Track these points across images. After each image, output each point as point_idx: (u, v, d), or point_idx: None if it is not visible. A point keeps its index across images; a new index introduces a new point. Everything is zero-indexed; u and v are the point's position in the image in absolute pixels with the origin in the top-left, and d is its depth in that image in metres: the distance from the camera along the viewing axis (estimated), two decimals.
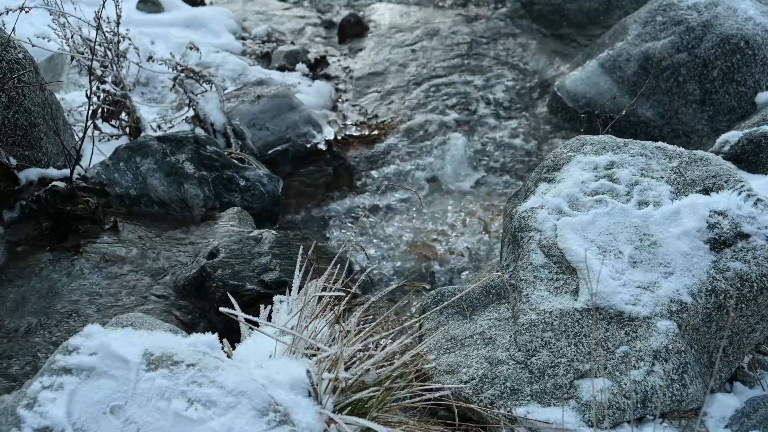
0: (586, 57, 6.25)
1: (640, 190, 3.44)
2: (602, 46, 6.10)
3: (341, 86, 6.80)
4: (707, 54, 5.40)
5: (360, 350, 2.70)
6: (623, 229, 3.29)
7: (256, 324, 2.76)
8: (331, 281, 3.12)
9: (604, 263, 3.12)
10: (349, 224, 5.11)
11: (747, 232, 3.19)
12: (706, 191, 3.39)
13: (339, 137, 5.87)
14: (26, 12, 4.79)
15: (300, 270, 3.07)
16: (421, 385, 2.79)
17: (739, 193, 3.33)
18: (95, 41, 5.01)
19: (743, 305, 3.03)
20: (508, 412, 2.79)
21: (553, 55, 6.96)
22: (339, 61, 7.31)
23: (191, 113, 5.58)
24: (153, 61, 5.60)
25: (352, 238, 5.00)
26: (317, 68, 7.16)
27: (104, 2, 4.97)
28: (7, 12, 4.84)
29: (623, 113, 5.39)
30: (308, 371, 2.40)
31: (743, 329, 3.07)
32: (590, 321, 2.97)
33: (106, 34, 5.21)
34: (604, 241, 3.24)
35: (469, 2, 8.46)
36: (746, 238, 3.17)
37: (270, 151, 5.46)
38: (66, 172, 4.47)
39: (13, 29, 4.77)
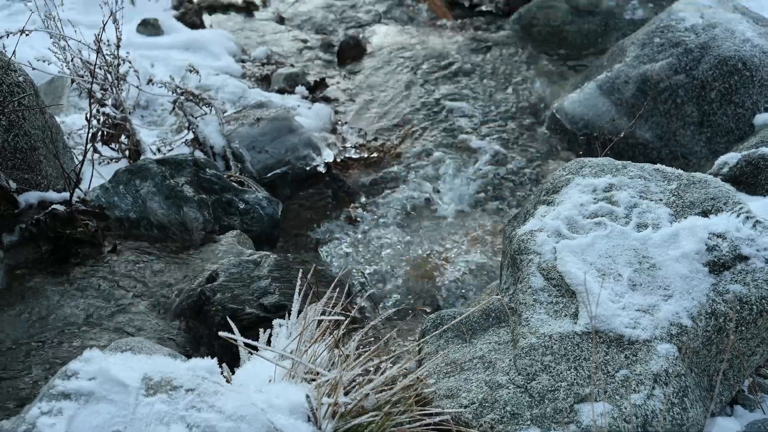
0: (584, 79, 6.27)
1: (639, 212, 3.44)
2: (600, 68, 6.12)
3: (341, 108, 6.81)
4: (705, 75, 5.42)
5: (359, 374, 2.69)
6: (622, 251, 3.29)
7: (256, 348, 2.75)
8: (331, 305, 3.12)
9: (603, 286, 3.12)
10: (349, 247, 5.11)
11: (746, 255, 3.19)
12: (704, 213, 3.39)
13: (338, 160, 5.88)
14: (27, 35, 4.81)
15: (299, 293, 3.07)
16: (421, 410, 2.78)
17: (738, 216, 3.33)
18: (95, 64, 5.03)
19: (743, 328, 3.03)
20: None
21: (551, 77, 6.98)
22: (338, 83, 7.33)
23: (191, 136, 5.59)
24: (153, 83, 5.61)
25: (351, 261, 4.99)
26: (316, 90, 7.17)
27: (104, 25, 4.99)
28: (8, 35, 4.85)
29: (622, 135, 5.40)
30: (308, 396, 2.40)
31: (743, 352, 3.07)
32: (590, 344, 2.97)
33: (107, 57, 5.22)
34: (604, 264, 3.24)
35: (468, 24, 8.49)
36: (745, 260, 3.17)
37: (269, 174, 5.47)
38: (66, 195, 4.47)
39: (14, 52, 4.78)
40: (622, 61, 5.84)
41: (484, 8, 9.04)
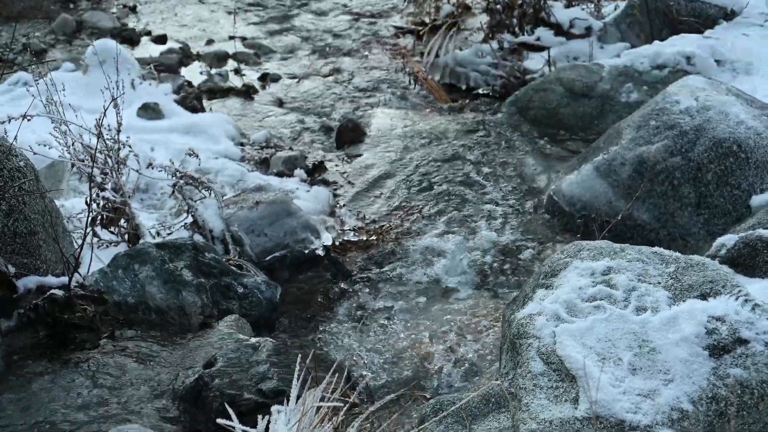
0: (581, 161, 6.32)
1: (637, 295, 3.45)
2: (597, 150, 6.17)
3: (339, 191, 6.85)
4: (701, 158, 5.46)
5: None
6: (622, 335, 3.28)
7: None
8: (330, 390, 3.11)
9: (603, 370, 3.11)
10: (348, 331, 5.10)
11: (746, 338, 3.19)
12: (703, 296, 3.39)
13: (337, 243, 5.89)
14: (28, 120, 4.85)
15: (298, 379, 3.05)
16: None
17: (737, 299, 3.33)
18: (96, 149, 5.07)
19: (744, 413, 3.01)
20: None
21: (549, 159, 7.04)
22: (337, 166, 7.38)
23: (190, 219, 5.61)
24: (153, 167, 5.64)
25: (350, 345, 4.98)
26: (315, 173, 7.22)
27: (105, 110, 5.04)
28: (9, 120, 4.89)
29: (619, 217, 5.43)
30: None
31: None
32: (591, 430, 2.95)
33: (107, 142, 5.27)
34: (603, 348, 3.24)
35: (465, 107, 8.58)
36: (745, 343, 3.17)
37: (268, 257, 5.48)
38: (64, 279, 4.48)
39: (15, 137, 4.83)
40: (618, 144, 5.89)
41: (480, 91, 9.16)
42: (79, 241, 4.73)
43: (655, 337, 3.23)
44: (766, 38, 7.92)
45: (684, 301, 3.37)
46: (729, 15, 8.43)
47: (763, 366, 3.07)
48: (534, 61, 9.13)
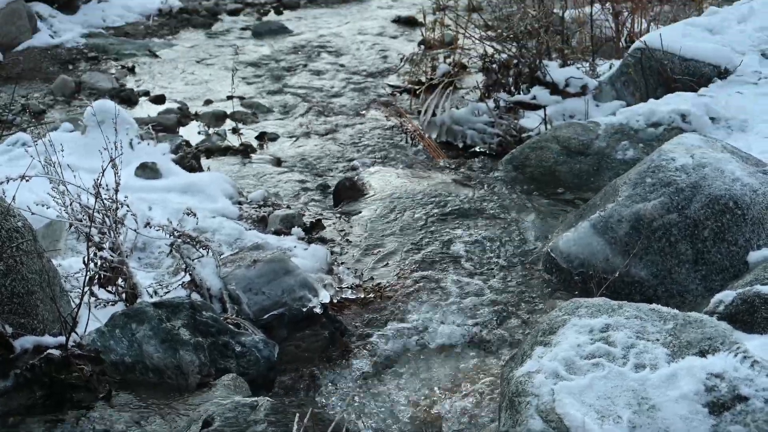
0: (578, 218, 6.34)
1: (636, 353, 3.44)
2: (594, 207, 6.19)
3: (337, 249, 6.86)
4: (697, 214, 5.48)
5: None
6: (621, 392, 3.27)
7: None
8: None
9: (603, 428, 3.10)
10: (346, 389, 5.08)
11: (745, 395, 3.18)
12: (702, 353, 3.39)
13: (335, 301, 5.89)
14: (26, 181, 4.88)
15: None
16: None
17: (736, 355, 3.33)
18: (94, 208, 5.08)
19: None
20: None
21: (545, 216, 7.06)
22: (334, 224, 7.40)
23: (188, 278, 5.60)
24: (150, 226, 5.65)
25: (349, 403, 4.95)
26: (313, 232, 7.23)
27: (104, 170, 5.07)
28: (8, 181, 4.91)
29: (617, 275, 5.43)
30: None
31: None
32: None
33: (105, 201, 5.29)
34: (603, 406, 3.23)
35: (462, 165, 8.62)
36: (745, 400, 3.16)
37: (266, 316, 5.46)
38: (61, 339, 4.47)
39: (14, 198, 4.85)
40: (614, 201, 5.91)
41: (477, 149, 9.22)
42: (77, 301, 4.72)
43: (655, 395, 3.23)
44: (760, 96, 7.99)
45: (683, 358, 3.37)
46: (723, 73, 8.51)
47: (763, 423, 3.06)
48: (530, 120, 9.22)
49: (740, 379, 3.20)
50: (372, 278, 6.28)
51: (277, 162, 9.26)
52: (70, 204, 5.33)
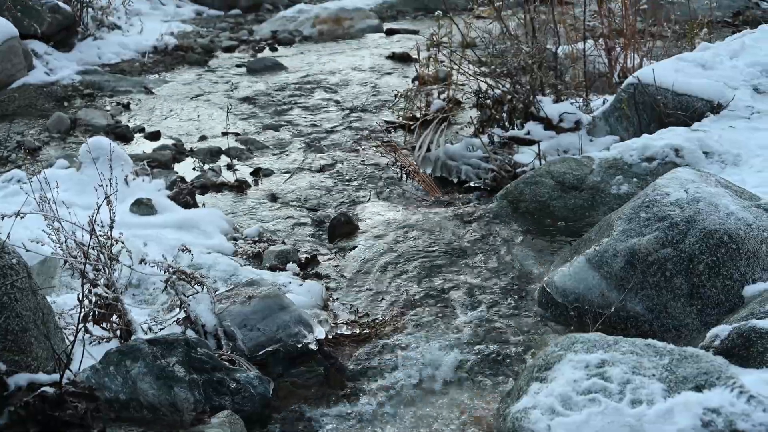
0: (573, 253, 6.34)
1: (632, 388, 3.44)
2: (589, 242, 6.20)
3: (332, 285, 6.86)
4: (692, 249, 5.49)
5: None
6: (618, 428, 3.27)
7: None
8: None
9: None
10: (341, 426, 5.05)
11: (742, 430, 3.18)
12: (698, 388, 3.39)
13: (330, 336, 5.87)
14: (21, 218, 4.87)
15: None
16: None
17: (732, 390, 3.33)
18: (88, 245, 5.08)
19: None
20: None
21: (541, 251, 7.06)
22: (329, 259, 7.40)
23: (182, 315, 5.59)
24: (145, 263, 5.64)
25: None
26: (308, 267, 7.23)
27: (99, 207, 5.07)
28: (3, 218, 4.91)
29: (612, 309, 5.42)
30: None
31: None
32: None
33: (100, 238, 5.28)
34: None
35: (456, 200, 8.64)
36: None
37: (261, 352, 5.45)
38: (55, 376, 4.45)
39: (8, 235, 4.84)
40: (609, 235, 5.92)
41: (472, 184, 9.23)
42: (71, 338, 4.71)
43: (651, 430, 3.22)
44: (753, 130, 8.03)
45: (679, 393, 3.36)
46: (716, 108, 8.56)
47: None
48: (524, 155, 9.24)
49: (737, 414, 3.20)
50: (367, 314, 6.28)
51: (272, 198, 9.27)
52: (65, 241, 5.33)
